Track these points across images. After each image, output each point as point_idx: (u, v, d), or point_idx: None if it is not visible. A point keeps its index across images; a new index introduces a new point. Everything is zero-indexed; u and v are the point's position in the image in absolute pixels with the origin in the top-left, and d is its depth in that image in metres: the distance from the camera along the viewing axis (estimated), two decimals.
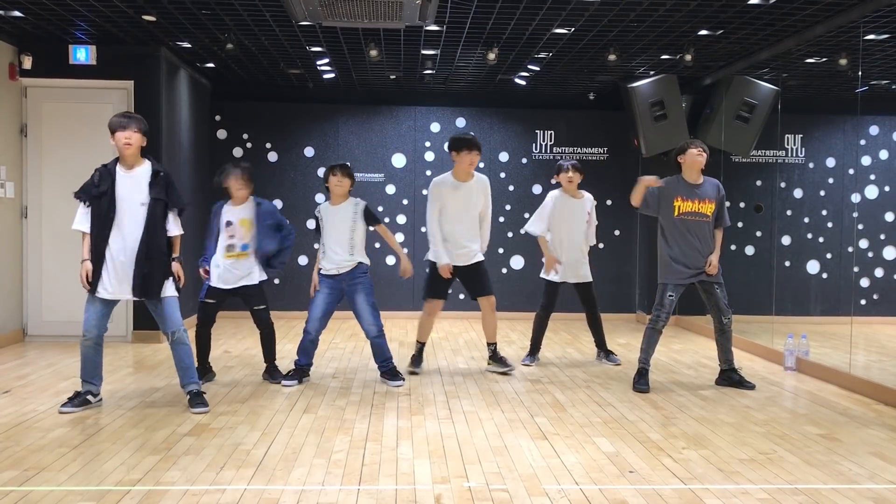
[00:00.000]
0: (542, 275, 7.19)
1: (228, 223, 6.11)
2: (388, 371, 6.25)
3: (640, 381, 6.05)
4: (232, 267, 6.08)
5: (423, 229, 9.16)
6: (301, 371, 6.23)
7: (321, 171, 10.33)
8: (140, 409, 5.31)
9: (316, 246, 6.51)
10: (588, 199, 7.23)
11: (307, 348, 6.25)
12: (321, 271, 6.24)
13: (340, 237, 6.19)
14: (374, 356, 6.33)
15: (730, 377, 6.27)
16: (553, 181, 7.52)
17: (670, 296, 6.08)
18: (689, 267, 6.07)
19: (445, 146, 6.86)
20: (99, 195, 5.12)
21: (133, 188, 5.18)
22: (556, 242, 7.06)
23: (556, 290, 7.14)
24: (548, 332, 9.08)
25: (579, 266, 7.11)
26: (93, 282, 5.13)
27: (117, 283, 5.16)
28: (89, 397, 5.29)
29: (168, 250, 5.28)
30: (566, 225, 7.07)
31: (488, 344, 6.85)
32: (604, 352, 7.30)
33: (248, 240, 6.13)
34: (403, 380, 6.23)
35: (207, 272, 6.14)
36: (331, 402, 5.55)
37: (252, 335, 6.81)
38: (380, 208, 10.20)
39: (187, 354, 5.37)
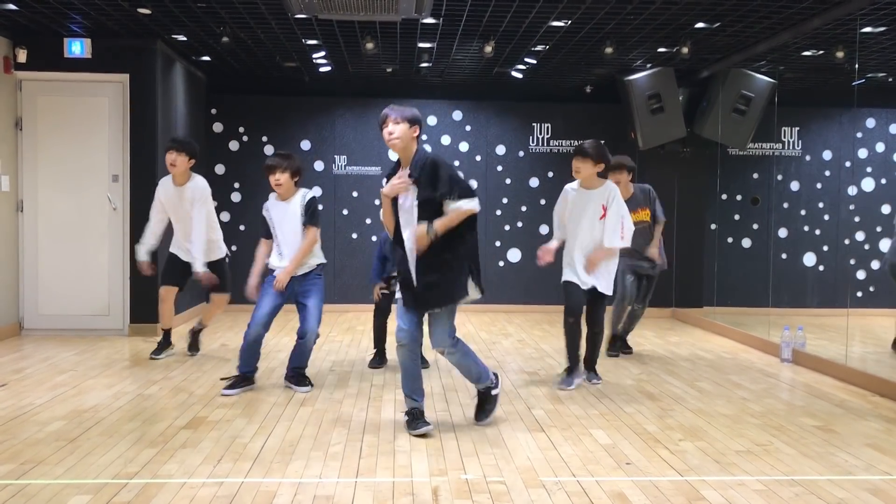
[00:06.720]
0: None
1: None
2: (300, 376, 5.72)
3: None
4: None
5: None
6: (245, 379, 5.62)
7: (318, 165, 10.33)
8: (137, 402, 5.31)
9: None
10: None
11: (248, 353, 5.62)
12: (269, 266, 5.65)
13: (294, 237, 5.59)
14: (293, 358, 5.72)
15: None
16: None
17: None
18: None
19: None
20: None
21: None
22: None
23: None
24: (543, 325, 9.18)
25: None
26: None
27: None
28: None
29: None
30: None
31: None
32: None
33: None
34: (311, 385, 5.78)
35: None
36: (328, 395, 5.55)
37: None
38: (376, 202, 10.15)
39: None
